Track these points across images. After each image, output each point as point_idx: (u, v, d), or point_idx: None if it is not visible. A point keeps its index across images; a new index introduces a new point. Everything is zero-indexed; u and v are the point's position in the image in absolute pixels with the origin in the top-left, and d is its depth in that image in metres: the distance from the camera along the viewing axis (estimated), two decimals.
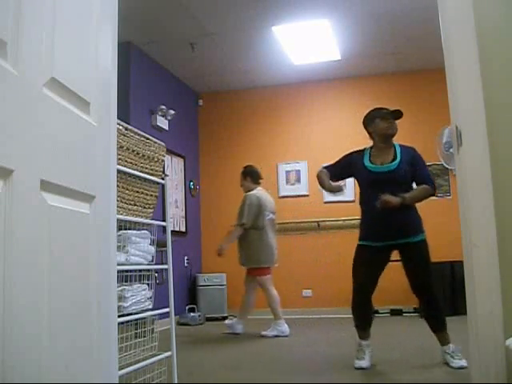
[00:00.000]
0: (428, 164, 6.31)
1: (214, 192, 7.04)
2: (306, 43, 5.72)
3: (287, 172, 6.86)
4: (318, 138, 6.77)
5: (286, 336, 4.72)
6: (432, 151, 6.16)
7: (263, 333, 4.78)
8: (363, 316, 3.35)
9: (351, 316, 3.38)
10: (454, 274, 5.61)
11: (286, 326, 4.80)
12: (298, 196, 6.75)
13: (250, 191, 5.00)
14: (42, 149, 1.14)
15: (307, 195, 6.68)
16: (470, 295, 2.00)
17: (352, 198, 5.52)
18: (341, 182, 3.54)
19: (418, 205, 3.33)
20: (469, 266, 1.99)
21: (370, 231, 3.31)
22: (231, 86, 7.01)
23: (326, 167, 3.54)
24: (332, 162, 3.57)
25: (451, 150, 5.36)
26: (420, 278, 3.23)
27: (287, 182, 6.84)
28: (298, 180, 6.81)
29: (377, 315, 6.02)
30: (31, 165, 1.09)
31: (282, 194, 6.83)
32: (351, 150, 3.51)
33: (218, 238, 5.84)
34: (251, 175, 5.13)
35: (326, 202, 6.44)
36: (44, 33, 1.19)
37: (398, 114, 3.33)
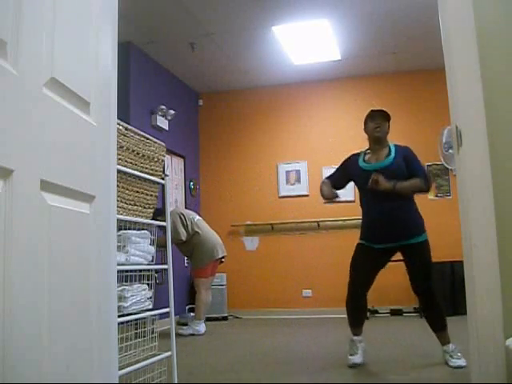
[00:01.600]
0: (428, 164, 6.39)
1: (214, 192, 7.04)
2: (306, 43, 5.72)
3: (287, 172, 6.86)
4: (317, 138, 6.77)
5: (202, 335, 5.04)
6: (432, 151, 6.15)
7: (180, 331, 5.00)
8: (356, 313, 3.38)
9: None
10: (454, 273, 5.60)
11: (202, 325, 5.14)
12: (298, 196, 6.74)
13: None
14: (42, 149, 1.14)
15: (307, 195, 6.68)
16: (469, 295, 2.00)
17: (352, 198, 5.51)
18: (342, 190, 3.54)
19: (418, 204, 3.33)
20: (469, 266, 1.99)
21: (371, 233, 3.32)
22: (231, 86, 7.01)
23: (327, 177, 3.56)
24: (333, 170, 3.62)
25: (451, 151, 5.36)
26: (420, 278, 3.24)
27: (287, 182, 6.84)
28: (298, 180, 6.81)
29: (377, 315, 6.04)
30: (31, 165, 1.09)
31: (282, 194, 6.83)
32: (350, 154, 3.53)
33: None
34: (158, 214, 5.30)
35: (326, 202, 6.43)
36: (44, 33, 1.18)
37: (382, 113, 3.31)
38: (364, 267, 3.30)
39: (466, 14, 2.03)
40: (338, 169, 3.55)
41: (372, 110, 3.40)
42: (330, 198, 3.43)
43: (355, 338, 3.34)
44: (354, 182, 3.45)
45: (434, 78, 5.85)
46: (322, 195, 3.50)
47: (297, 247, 6.62)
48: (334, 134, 6.69)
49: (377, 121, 3.31)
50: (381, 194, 3.16)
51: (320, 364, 3.50)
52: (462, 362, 3.05)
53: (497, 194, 1.95)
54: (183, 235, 5.11)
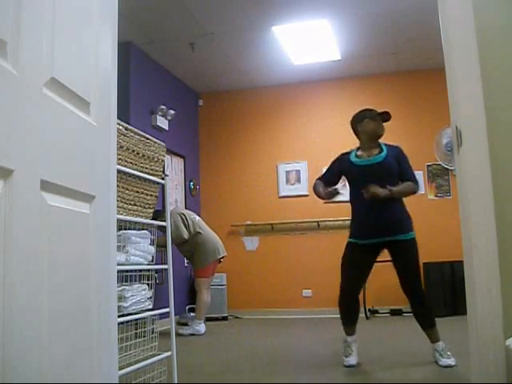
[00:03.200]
0: (428, 164, 6.40)
1: (214, 192, 7.04)
2: (305, 43, 5.71)
3: (287, 172, 6.86)
4: (317, 138, 6.76)
5: (202, 335, 5.05)
6: (433, 151, 6.15)
7: (180, 331, 5.02)
8: (350, 313, 3.39)
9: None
10: (454, 273, 5.61)
11: (202, 325, 5.15)
12: (298, 196, 6.74)
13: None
14: (42, 149, 1.14)
15: (307, 195, 6.67)
16: (469, 295, 2.00)
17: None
18: (338, 185, 3.55)
19: (412, 204, 3.35)
20: (469, 266, 1.99)
21: (359, 228, 3.37)
22: (231, 86, 7.01)
23: (318, 178, 3.59)
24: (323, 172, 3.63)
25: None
26: (408, 277, 3.27)
27: (287, 181, 6.84)
28: (298, 180, 6.81)
29: (377, 315, 6.04)
30: (31, 165, 1.09)
31: (282, 194, 6.83)
32: (339, 154, 3.58)
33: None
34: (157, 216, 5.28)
35: (326, 202, 6.43)
36: (44, 33, 1.18)
37: (386, 116, 3.42)
38: (356, 266, 3.33)
39: (466, 14, 2.04)
40: (328, 168, 3.59)
41: (370, 110, 3.49)
42: (330, 197, 3.42)
43: (349, 338, 3.35)
44: (346, 177, 3.50)
45: (434, 78, 5.85)
46: (319, 197, 3.51)
47: (297, 247, 6.62)
48: (334, 134, 6.68)
49: (379, 121, 3.42)
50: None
51: (320, 364, 3.50)
52: (451, 362, 3.09)
53: (497, 194, 1.95)
54: (185, 234, 5.11)
